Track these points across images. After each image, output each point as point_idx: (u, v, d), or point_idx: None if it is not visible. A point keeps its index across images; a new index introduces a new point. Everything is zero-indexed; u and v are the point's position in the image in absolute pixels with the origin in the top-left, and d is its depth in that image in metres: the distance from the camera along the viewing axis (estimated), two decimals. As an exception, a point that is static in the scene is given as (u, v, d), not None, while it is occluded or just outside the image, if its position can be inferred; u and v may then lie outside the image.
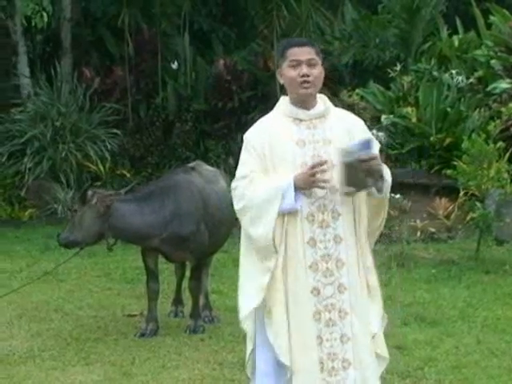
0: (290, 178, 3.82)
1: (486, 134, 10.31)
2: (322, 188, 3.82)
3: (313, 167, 3.80)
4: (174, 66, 14.85)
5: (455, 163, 9.88)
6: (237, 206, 3.96)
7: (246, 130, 4.07)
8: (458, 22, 14.24)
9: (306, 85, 3.90)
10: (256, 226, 3.88)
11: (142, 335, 6.54)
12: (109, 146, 12.93)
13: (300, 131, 3.93)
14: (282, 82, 4.01)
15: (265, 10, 14.50)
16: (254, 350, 3.99)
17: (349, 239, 3.91)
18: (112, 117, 13.44)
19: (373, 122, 11.53)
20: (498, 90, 12.00)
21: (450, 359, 5.92)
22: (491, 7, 13.39)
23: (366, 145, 3.80)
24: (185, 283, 7.09)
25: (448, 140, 11.66)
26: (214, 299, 7.38)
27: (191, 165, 7.20)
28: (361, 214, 3.95)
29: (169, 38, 15.30)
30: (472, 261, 9.10)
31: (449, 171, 9.83)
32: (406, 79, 12.68)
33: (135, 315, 7.15)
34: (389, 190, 3.97)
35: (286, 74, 3.94)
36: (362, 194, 3.92)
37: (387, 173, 3.97)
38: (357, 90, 13.05)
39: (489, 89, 12.16)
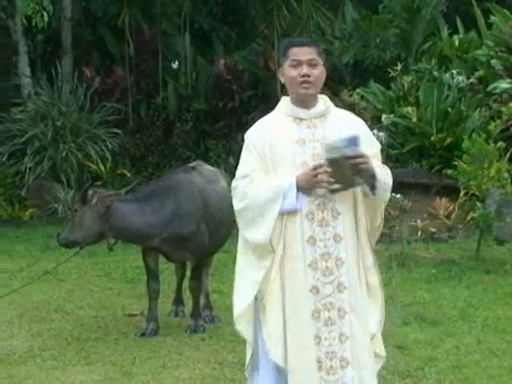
0: (293, 178, 3.82)
1: (487, 133, 10.32)
2: (325, 188, 3.82)
3: (315, 168, 3.80)
4: (175, 65, 14.86)
5: (456, 163, 9.89)
6: (237, 206, 3.96)
7: (247, 129, 4.07)
8: (459, 22, 14.25)
9: (305, 85, 3.91)
10: (258, 226, 3.87)
11: (143, 335, 6.54)
12: (109, 146, 12.94)
13: (300, 130, 3.94)
14: (283, 81, 4.02)
15: (265, 9, 14.51)
16: (253, 355, 3.99)
17: (349, 238, 3.91)
18: (112, 116, 13.44)
19: (373, 122, 11.53)
20: (498, 90, 12.00)
21: (450, 359, 5.92)
22: (492, 7, 13.38)
23: (353, 141, 3.76)
24: (185, 283, 7.09)
25: (448, 140, 11.67)
26: (215, 299, 7.38)
27: (192, 165, 7.20)
28: (360, 214, 3.94)
29: (169, 37, 15.31)
30: (472, 261, 9.10)
31: (449, 171, 9.83)
32: (407, 79, 12.68)
33: (136, 315, 7.15)
34: (386, 192, 3.94)
35: (287, 73, 3.95)
36: (359, 193, 3.91)
37: (387, 174, 3.96)
38: (357, 90, 13.05)
39: (489, 89, 12.16)
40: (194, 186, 6.66)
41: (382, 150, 4.15)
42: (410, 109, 12.08)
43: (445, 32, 14.17)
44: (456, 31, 14.16)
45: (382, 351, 4.05)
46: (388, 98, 12.81)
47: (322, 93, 4.04)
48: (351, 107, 10.82)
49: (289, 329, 3.87)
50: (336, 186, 3.78)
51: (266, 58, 14.45)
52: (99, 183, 12.33)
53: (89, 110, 13.41)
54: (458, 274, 8.63)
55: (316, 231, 3.87)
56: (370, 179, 3.84)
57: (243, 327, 3.99)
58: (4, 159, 12.72)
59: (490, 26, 13.47)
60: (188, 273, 7.00)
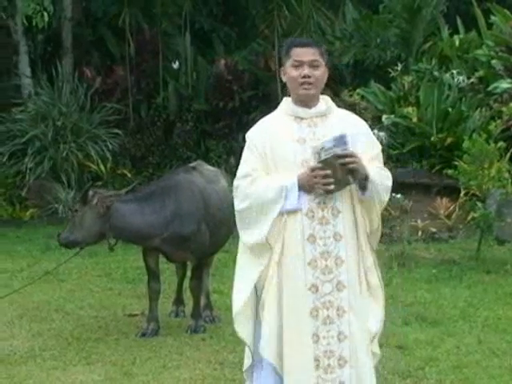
0: (294, 177, 3.83)
1: (487, 133, 10.32)
2: (322, 190, 3.82)
3: (313, 170, 3.80)
4: (175, 65, 14.86)
5: (456, 163, 9.89)
6: (238, 207, 3.96)
7: (247, 129, 4.08)
8: (459, 22, 14.24)
9: (306, 86, 3.92)
10: (257, 225, 3.88)
11: (143, 335, 6.54)
12: (110, 146, 12.94)
13: (301, 129, 3.95)
14: (284, 80, 4.03)
15: (266, 9, 14.52)
16: (253, 355, 3.99)
17: (349, 237, 3.90)
18: (113, 117, 13.45)
19: (374, 122, 11.53)
20: (498, 90, 12.00)
21: (451, 359, 5.92)
22: (492, 7, 13.38)
23: (341, 140, 3.77)
24: (186, 283, 7.09)
25: (449, 140, 11.67)
26: (215, 299, 7.38)
27: (192, 165, 7.20)
28: (358, 213, 3.93)
29: (170, 37, 15.31)
30: (473, 261, 9.11)
31: (450, 171, 9.83)
32: (407, 79, 12.68)
33: (136, 315, 7.15)
34: (381, 193, 3.92)
35: (289, 73, 3.96)
36: (356, 193, 3.91)
37: (386, 177, 3.96)
38: (358, 90, 13.05)
39: (490, 89, 12.16)
40: (194, 186, 6.66)
41: (383, 150, 4.15)
42: (410, 109, 12.09)
43: (445, 32, 14.16)
44: (456, 31, 14.16)
45: (377, 349, 4.06)
46: (388, 98, 12.81)
47: (322, 93, 4.05)
48: (352, 107, 10.82)
49: (286, 327, 3.87)
50: (331, 187, 3.79)
51: (267, 58, 14.45)
52: (100, 183, 12.33)
53: (89, 110, 13.41)
54: (458, 274, 8.63)
55: (316, 229, 3.87)
56: (363, 179, 3.84)
57: (241, 326, 3.99)
58: (4, 159, 12.72)
59: (490, 25, 13.47)
60: (188, 273, 7.00)
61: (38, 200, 12.47)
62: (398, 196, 10.11)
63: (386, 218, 9.61)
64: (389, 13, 14.47)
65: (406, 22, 13.91)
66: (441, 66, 13.16)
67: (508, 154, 10.21)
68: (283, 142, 3.92)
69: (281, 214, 3.86)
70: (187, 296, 7.10)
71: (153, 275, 6.69)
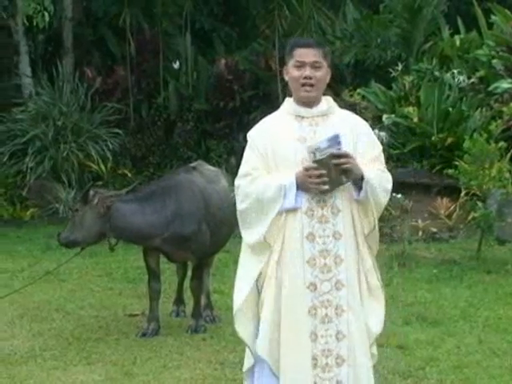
0: (293, 176, 3.84)
1: (488, 133, 10.32)
2: (316, 189, 3.82)
3: (307, 169, 3.80)
4: (176, 65, 14.85)
5: (457, 163, 9.88)
6: (239, 206, 3.98)
7: (248, 129, 4.10)
8: (460, 22, 14.23)
9: (307, 88, 3.93)
10: (257, 224, 3.89)
11: (144, 335, 6.54)
12: (110, 146, 12.93)
13: (302, 128, 3.96)
14: (286, 79, 4.05)
15: (266, 9, 14.50)
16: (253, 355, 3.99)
17: (348, 236, 3.91)
18: (113, 116, 13.44)
19: (374, 122, 11.51)
20: (499, 90, 11.99)
21: (451, 359, 5.92)
22: (493, 7, 13.38)
23: (335, 140, 3.79)
24: (186, 283, 7.09)
25: (449, 140, 11.66)
26: (216, 299, 7.38)
27: (193, 164, 7.20)
28: (355, 213, 3.93)
29: (170, 37, 15.30)
30: (473, 260, 9.11)
31: (450, 171, 9.83)
32: (408, 79, 12.67)
33: (137, 315, 7.15)
34: (378, 195, 3.91)
35: (291, 73, 3.98)
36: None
37: (386, 179, 3.96)
38: (358, 90, 13.04)
39: (490, 88, 12.15)
40: (195, 186, 6.66)
41: (383, 150, 4.15)
42: (411, 109, 12.08)
43: (446, 32, 14.16)
44: (457, 31, 14.15)
45: (375, 351, 4.06)
46: (389, 97, 12.80)
47: (323, 93, 4.05)
48: (352, 107, 10.82)
49: (284, 325, 3.87)
50: (325, 186, 3.80)
51: (267, 58, 14.44)
52: (100, 183, 12.31)
53: (90, 110, 13.40)
54: (459, 273, 8.63)
55: (315, 228, 3.87)
56: (358, 180, 3.84)
57: (242, 327, 3.99)
58: (5, 159, 12.71)
59: (490, 25, 13.46)
60: (189, 273, 7.00)
61: (39, 200, 12.47)
62: (399, 196, 10.10)
63: (386, 218, 9.63)
64: (389, 13, 14.47)
65: (407, 22, 13.91)
66: (441, 65, 13.15)
67: (508, 154, 10.20)
68: (284, 141, 3.93)
69: (280, 212, 3.86)
70: (188, 296, 7.10)
71: (153, 275, 6.69)
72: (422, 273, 8.70)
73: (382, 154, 4.06)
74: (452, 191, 10.94)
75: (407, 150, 11.96)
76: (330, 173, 3.78)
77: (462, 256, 9.36)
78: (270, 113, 4.12)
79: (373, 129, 4.38)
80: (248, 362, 4.03)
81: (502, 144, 9.78)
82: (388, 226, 9.88)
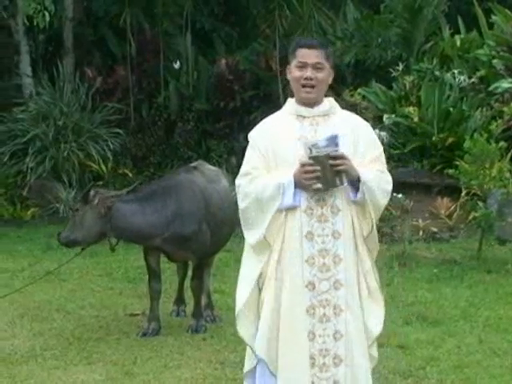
0: (291, 175, 3.84)
1: (488, 133, 10.32)
2: (308, 187, 3.82)
3: (303, 165, 3.80)
4: (176, 65, 14.84)
5: (457, 163, 9.88)
6: (240, 206, 4.00)
7: (248, 129, 4.11)
8: (460, 22, 14.23)
9: (308, 89, 3.95)
10: (257, 223, 3.90)
11: (144, 335, 6.54)
12: (111, 146, 12.93)
13: (302, 128, 3.96)
14: (289, 78, 4.05)
15: (267, 9, 14.50)
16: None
17: (348, 236, 3.91)
18: (114, 116, 13.44)
19: (375, 122, 11.51)
20: (500, 90, 11.99)
21: (451, 359, 5.92)
22: (493, 7, 13.38)
23: (333, 141, 3.79)
24: (187, 283, 7.09)
25: (450, 139, 11.66)
26: (216, 299, 7.39)
27: (193, 164, 7.20)
28: (354, 213, 3.93)
29: (171, 37, 15.30)
30: (474, 260, 9.11)
31: (451, 171, 9.83)
32: (408, 79, 12.67)
33: (137, 315, 7.16)
34: (376, 197, 3.90)
35: (293, 73, 4.00)
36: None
37: (385, 181, 3.95)
38: (359, 90, 13.04)
39: (491, 88, 12.15)
40: (195, 186, 6.66)
41: (384, 150, 4.15)
42: (411, 109, 12.08)
43: (446, 32, 14.15)
44: (457, 31, 14.14)
45: (375, 353, 4.06)
46: (389, 97, 12.80)
47: (325, 95, 4.06)
48: (353, 107, 10.83)
49: (283, 324, 3.87)
50: (318, 185, 3.79)
51: (268, 58, 14.44)
52: (101, 183, 12.31)
53: (90, 110, 13.40)
54: (459, 273, 8.63)
55: (314, 227, 3.87)
56: (355, 181, 3.84)
57: (243, 328, 4.00)
58: (5, 159, 12.70)
59: (491, 25, 13.46)
60: (190, 272, 7.01)
61: (39, 200, 12.47)
62: (399, 196, 10.11)
63: (386, 218, 9.63)
64: (390, 12, 14.47)
65: (407, 22, 13.91)
66: (442, 65, 13.15)
67: (509, 154, 10.21)
68: (284, 141, 3.94)
69: (279, 211, 3.87)
70: (188, 295, 7.10)
71: (154, 275, 6.69)
72: (423, 272, 8.70)
73: (383, 155, 4.06)
74: (452, 191, 10.94)
75: (408, 150, 11.97)
76: (325, 172, 3.78)
77: (462, 256, 9.36)
78: (270, 113, 4.13)
79: (373, 129, 4.38)
80: (249, 363, 4.02)
81: (502, 144, 9.78)
82: (388, 225, 9.88)
